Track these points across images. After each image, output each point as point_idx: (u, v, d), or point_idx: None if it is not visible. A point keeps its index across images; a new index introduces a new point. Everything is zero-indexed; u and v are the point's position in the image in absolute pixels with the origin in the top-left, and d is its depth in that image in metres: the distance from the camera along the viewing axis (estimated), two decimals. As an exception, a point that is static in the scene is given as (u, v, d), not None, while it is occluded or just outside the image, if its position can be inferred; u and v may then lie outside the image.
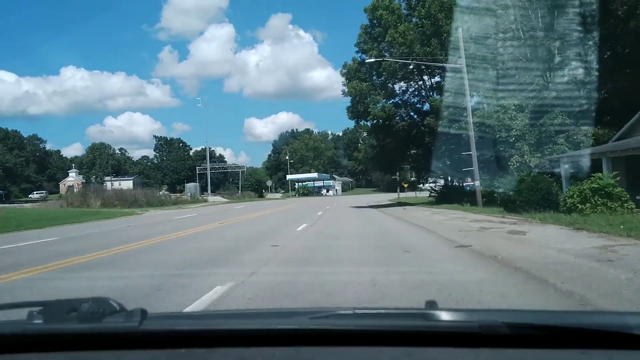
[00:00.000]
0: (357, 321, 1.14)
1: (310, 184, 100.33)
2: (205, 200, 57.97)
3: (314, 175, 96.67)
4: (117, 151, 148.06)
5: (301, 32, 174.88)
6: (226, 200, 65.63)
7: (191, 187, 66.70)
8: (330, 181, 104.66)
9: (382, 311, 1.49)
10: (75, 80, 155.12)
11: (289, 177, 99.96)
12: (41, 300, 1.27)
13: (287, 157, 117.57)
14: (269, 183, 69.04)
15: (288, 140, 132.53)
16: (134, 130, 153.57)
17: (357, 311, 1.20)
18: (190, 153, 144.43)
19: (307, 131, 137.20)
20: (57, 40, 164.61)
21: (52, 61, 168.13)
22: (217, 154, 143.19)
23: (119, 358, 1.04)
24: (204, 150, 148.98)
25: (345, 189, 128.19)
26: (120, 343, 1.07)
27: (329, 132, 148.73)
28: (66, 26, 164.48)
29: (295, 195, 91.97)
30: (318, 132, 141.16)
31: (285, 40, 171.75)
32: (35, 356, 1.07)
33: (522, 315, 1.30)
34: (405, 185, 67.44)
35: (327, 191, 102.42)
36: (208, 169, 72.42)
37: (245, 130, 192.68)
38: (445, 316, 1.09)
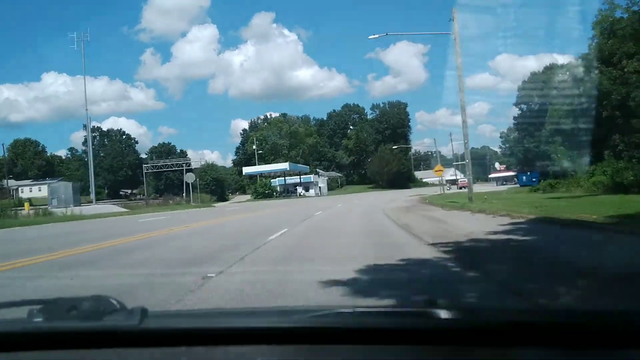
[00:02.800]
0: (356, 319, 1.14)
1: (280, 180, 70.97)
2: (47, 215, 28.54)
3: (284, 166, 67.05)
4: (67, 152, 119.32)
5: (285, 31, 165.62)
6: (120, 211, 36.29)
7: (58, 188, 36.83)
8: (311, 176, 75.40)
9: (382, 309, 1.60)
10: (57, 85, 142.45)
11: (246, 170, 69.83)
12: (40, 298, 1.28)
13: (254, 147, 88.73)
14: (190, 179, 39.72)
15: (260, 127, 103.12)
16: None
17: (356, 309, 1.26)
18: (137, 147, 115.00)
19: (283, 116, 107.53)
20: (37, 45, 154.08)
21: (33, 67, 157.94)
22: (178, 150, 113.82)
23: (119, 356, 1.05)
24: (161, 146, 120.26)
25: (333, 186, 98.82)
26: (121, 341, 1.07)
27: (311, 117, 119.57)
28: (45, 31, 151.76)
29: (254, 198, 62.73)
30: (298, 117, 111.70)
31: (270, 40, 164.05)
32: (36, 354, 1.07)
33: (522, 314, 1.29)
34: (438, 172, 39.30)
35: (307, 190, 73.33)
36: (90, 157, 42.64)
37: (232, 132, 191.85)
38: (445, 314, 1.09)
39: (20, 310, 1.22)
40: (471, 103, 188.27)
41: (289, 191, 69.11)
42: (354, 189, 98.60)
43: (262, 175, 68.47)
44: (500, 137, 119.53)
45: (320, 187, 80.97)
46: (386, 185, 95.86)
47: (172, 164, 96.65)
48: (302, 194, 67.15)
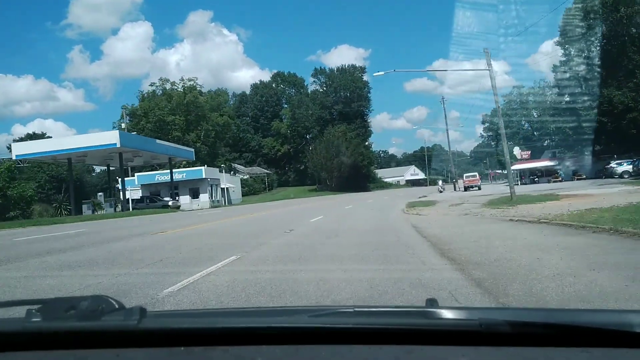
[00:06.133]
0: (357, 319, 1.13)
1: (143, 176, 35.95)
2: None
3: (106, 140, 29.21)
4: None
5: (225, 31, 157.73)
6: None
7: None
8: (202, 170, 41.30)
9: (382, 309, 1.54)
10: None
11: (18, 151, 31.48)
12: (39, 298, 1.28)
13: (123, 126, 55.10)
14: None
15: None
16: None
17: (357, 309, 1.22)
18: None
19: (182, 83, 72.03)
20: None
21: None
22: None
23: (118, 356, 1.04)
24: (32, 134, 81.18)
25: (256, 188, 65.56)
26: (119, 341, 1.07)
27: (230, 93, 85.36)
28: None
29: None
30: (210, 91, 76.50)
31: (208, 39, 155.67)
32: (34, 354, 1.08)
33: (523, 314, 1.27)
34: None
35: (196, 195, 39.87)
36: None
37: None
38: (445, 314, 1.09)
39: (18, 310, 1.20)
40: (410, 107, 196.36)
41: (147, 199, 35.02)
42: (289, 191, 65.84)
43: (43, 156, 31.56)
44: (483, 122, 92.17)
45: (227, 190, 47.56)
46: (336, 186, 63.76)
47: None
48: (171, 204, 33.26)
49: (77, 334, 1.06)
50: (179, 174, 39.83)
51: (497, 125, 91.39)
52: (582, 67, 43.06)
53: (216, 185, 43.20)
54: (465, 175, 44.48)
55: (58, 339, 1.06)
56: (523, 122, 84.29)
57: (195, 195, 40.24)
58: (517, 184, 49.15)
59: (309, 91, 78.10)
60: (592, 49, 42.37)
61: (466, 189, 42.29)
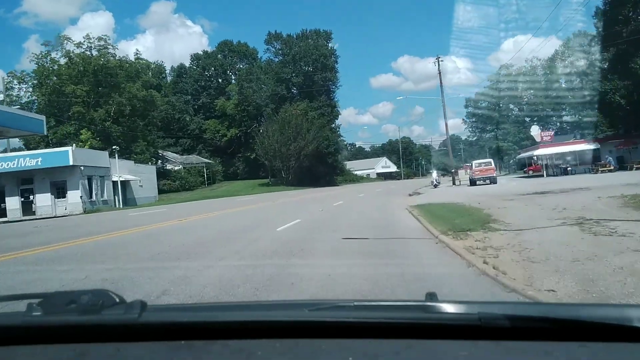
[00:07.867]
0: (356, 313, 1.14)
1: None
2: None
3: None
4: None
5: (189, 22, 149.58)
6: None
7: None
8: (68, 150, 26.79)
9: (382, 303, 1.55)
10: None
11: None
12: (40, 292, 1.27)
13: (0, 98, 39.88)
14: None
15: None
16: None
17: (356, 303, 1.22)
18: None
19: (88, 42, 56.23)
20: None
21: None
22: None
23: (119, 349, 1.06)
24: None
25: (190, 182, 51.25)
26: (120, 335, 1.09)
27: (168, 67, 70.24)
28: None
29: None
30: (142, 60, 60.75)
31: (170, 30, 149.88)
32: (35, 348, 1.09)
33: (521, 308, 1.32)
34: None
35: (61, 193, 25.46)
36: None
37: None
38: (445, 308, 1.10)
39: (19, 303, 1.20)
40: (375, 103, 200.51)
41: None
42: (236, 186, 51.76)
43: None
44: (466, 106, 80.00)
45: (127, 184, 33.31)
46: (294, 178, 50.09)
47: None
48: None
49: (77, 328, 1.06)
50: (33, 159, 25.45)
51: (483, 110, 78.16)
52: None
53: (102, 177, 28.87)
54: (474, 163, 31.09)
55: (59, 332, 1.06)
56: (511, 107, 72.94)
57: (61, 192, 26.07)
58: (543, 176, 36.38)
59: (263, 62, 63.78)
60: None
61: (472, 182, 29.42)
